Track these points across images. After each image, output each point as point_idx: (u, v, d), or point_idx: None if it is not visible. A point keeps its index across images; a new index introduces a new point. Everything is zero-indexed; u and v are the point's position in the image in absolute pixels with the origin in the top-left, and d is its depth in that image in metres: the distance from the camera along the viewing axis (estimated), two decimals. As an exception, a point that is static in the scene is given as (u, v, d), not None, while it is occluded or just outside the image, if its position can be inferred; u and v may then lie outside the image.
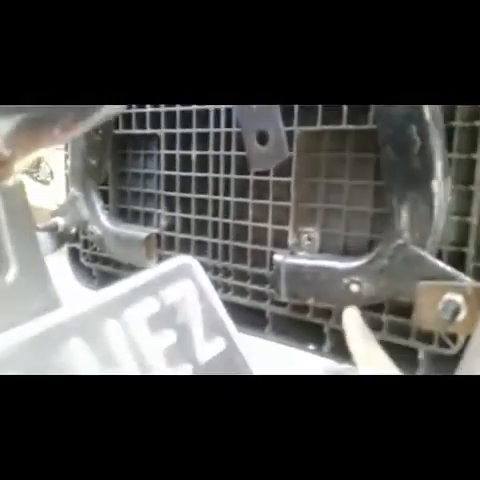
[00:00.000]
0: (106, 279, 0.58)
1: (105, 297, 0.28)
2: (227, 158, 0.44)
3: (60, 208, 0.54)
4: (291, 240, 0.41)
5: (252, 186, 0.43)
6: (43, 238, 0.55)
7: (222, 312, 0.33)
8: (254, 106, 0.32)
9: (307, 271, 0.38)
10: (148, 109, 0.48)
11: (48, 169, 1.25)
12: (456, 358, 0.34)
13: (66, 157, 0.54)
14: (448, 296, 0.29)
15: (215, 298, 0.33)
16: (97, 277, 0.58)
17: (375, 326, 0.37)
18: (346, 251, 0.39)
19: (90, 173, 0.49)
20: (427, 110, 0.30)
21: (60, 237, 0.56)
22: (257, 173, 0.42)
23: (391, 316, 0.36)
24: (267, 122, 0.32)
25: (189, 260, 0.34)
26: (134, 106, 0.49)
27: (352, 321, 0.35)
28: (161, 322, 0.28)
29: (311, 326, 0.41)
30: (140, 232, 0.49)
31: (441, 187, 0.31)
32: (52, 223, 0.53)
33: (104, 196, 0.54)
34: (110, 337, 0.25)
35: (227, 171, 0.44)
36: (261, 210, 0.43)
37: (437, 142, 0.30)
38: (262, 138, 0.33)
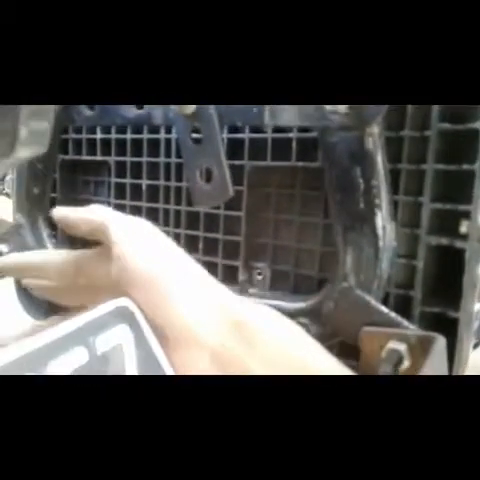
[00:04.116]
0: (55, 310, 0.55)
1: (26, 349, 0.26)
2: (178, 189, 0.43)
3: (4, 235, 0.51)
4: (242, 276, 0.40)
5: (203, 219, 0.42)
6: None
7: (161, 358, 0.30)
8: (198, 142, 0.31)
9: (255, 310, 0.36)
10: (98, 135, 0.47)
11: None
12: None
13: (12, 181, 0.51)
14: (391, 345, 0.28)
15: (154, 343, 0.31)
16: (45, 308, 0.55)
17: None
18: (296, 289, 0.38)
19: (33, 202, 0.47)
20: (372, 153, 0.29)
21: (4, 265, 0.53)
22: (208, 206, 0.41)
23: (341, 359, 0.35)
24: (211, 159, 0.31)
25: (126, 303, 0.32)
26: (84, 132, 0.47)
27: None
28: (90, 373, 0.26)
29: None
30: (87, 263, 0.47)
31: (386, 230, 0.30)
32: (-5, 251, 0.50)
33: (52, 223, 0.51)
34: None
35: (178, 202, 0.43)
36: (212, 244, 0.42)
37: (382, 185, 0.30)
38: (206, 175, 0.31)
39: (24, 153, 0.20)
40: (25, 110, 0.19)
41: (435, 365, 0.25)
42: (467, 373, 0.31)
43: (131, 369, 0.28)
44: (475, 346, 0.51)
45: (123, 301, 0.33)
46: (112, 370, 0.27)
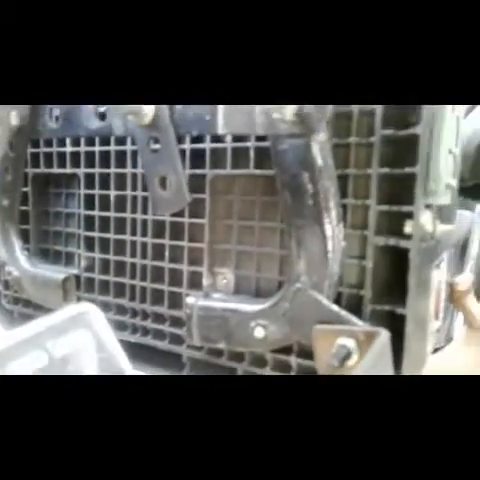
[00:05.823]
0: (28, 322, 0.55)
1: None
2: (145, 199, 0.44)
3: (-24, 248, 0.51)
4: (206, 281, 0.41)
5: (168, 227, 0.43)
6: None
7: (123, 361, 0.31)
8: (155, 150, 0.32)
9: (217, 314, 0.37)
10: (68, 148, 0.48)
11: None
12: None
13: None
14: (340, 341, 0.29)
15: (115, 347, 0.32)
16: (18, 320, 0.56)
17: (284, 369, 0.36)
18: (259, 293, 0.39)
19: (4, 214, 0.48)
20: (319, 159, 0.31)
21: (-23, 278, 0.53)
22: (173, 214, 0.42)
23: (299, 359, 0.36)
24: (167, 167, 0.32)
25: (87, 308, 0.33)
26: (55, 145, 0.49)
27: None
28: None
29: (226, 370, 0.40)
30: (57, 273, 0.47)
31: (335, 232, 0.31)
32: (-33, 263, 0.51)
33: (25, 235, 0.52)
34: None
35: (144, 212, 0.44)
36: (177, 251, 0.43)
37: (329, 189, 0.31)
38: (164, 183, 0.33)
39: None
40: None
41: (376, 357, 0.26)
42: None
43: (91, 370, 0.28)
44: (436, 350, 0.52)
45: (84, 307, 0.33)
46: (71, 372, 0.28)
